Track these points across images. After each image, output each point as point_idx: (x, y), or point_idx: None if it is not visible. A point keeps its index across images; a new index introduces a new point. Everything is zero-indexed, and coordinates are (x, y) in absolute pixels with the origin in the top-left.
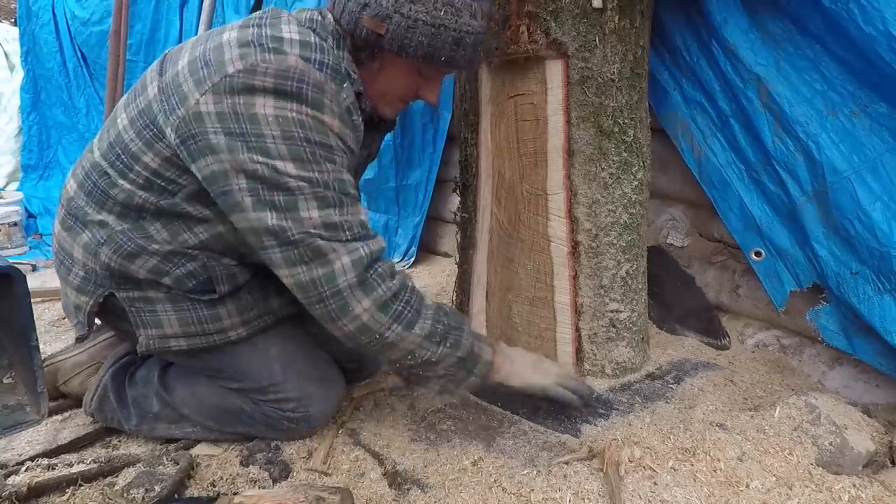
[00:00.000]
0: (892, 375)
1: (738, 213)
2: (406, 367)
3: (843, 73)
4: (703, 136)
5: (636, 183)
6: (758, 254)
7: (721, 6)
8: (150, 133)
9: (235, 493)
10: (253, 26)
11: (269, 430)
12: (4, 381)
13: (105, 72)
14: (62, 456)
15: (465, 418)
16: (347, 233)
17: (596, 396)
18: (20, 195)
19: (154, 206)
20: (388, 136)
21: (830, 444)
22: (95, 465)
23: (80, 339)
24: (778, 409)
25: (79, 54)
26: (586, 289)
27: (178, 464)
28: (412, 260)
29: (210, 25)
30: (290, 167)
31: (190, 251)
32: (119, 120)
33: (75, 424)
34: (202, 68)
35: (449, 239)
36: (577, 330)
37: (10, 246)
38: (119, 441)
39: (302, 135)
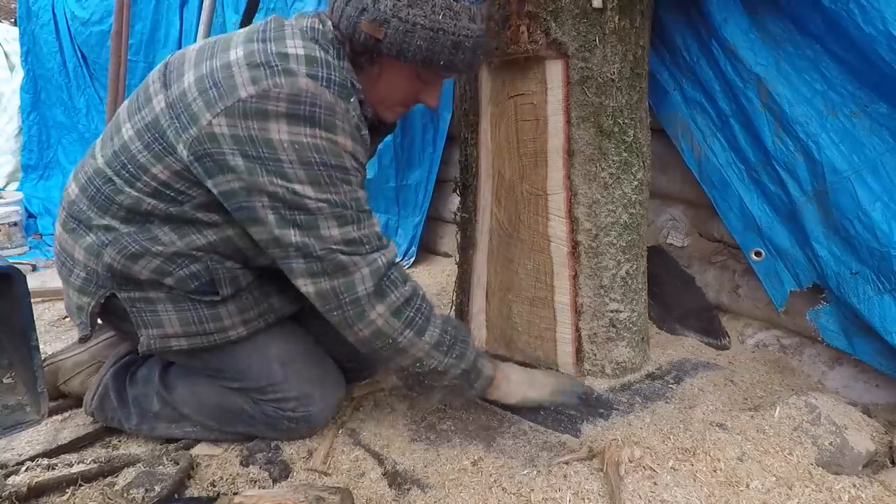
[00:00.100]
0: (892, 375)
1: (738, 213)
2: (413, 375)
3: (843, 73)
4: (703, 136)
5: (636, 183)
6: (758, 254)
7: (721, 6)
8: (160, 147)
9: (235, 493)
10: (258, 41)
11: (269, 429)
12: (4, 381)
13: (105, 72)
14: (62, 456)
15: (465, 418)
16: (366, 246)
17: (596, 396)
18: (20, 195)
19: (163, 213)
20: (387, 136)
21: (830, 444)
22: (95, 465)
23: (82, 340)
24: (778, 409)
25: (79, 54)
26: (586, 289)
27: (178, 464)
28: (412, 260)
29: (210, 25)
30: (308, 190)
31: (195, 253)
32: (124, 129)
33: (75, 424)
34: (211, 88)
35: (449, 239)
36: (577, 330)
37: (10, 246)
38: (119, 441)
39: (318, 159)
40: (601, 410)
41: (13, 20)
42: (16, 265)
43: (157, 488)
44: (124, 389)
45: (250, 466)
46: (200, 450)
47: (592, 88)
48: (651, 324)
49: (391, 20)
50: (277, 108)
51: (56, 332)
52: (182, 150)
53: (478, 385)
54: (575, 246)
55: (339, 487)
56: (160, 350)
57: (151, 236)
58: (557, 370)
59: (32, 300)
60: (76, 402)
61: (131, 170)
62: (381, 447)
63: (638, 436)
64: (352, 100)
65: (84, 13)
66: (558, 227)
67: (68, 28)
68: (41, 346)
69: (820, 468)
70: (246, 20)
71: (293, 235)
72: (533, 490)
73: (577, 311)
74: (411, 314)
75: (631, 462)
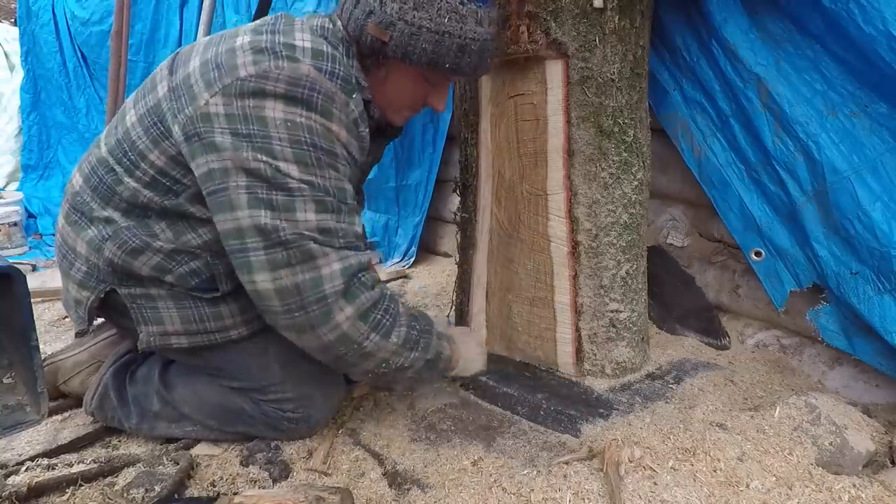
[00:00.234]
0: (892, 375)
1: (738, 213)
2: (376, 377)
3: (843, 73)
4: (703, 136)
5: (636, 183)
6: (758, 254)
7: (721, 6)
8: (157, 131)
9: (235, 493)
10: (266, 32)
11: (269, 429)
12: (4, 381)
13: (105, 72)
14: (62, 456)
15: (465, 418)
16: (341, 240)
17: (596, 397)
18: (20, 195)
19: (158, 206)
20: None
21: (830, 444)
22: (95, 465)
23: (79, 334)
24: (778, 409)
25: (79, 54)
26: (586, 289)
27: (178, 464)
28: (412, 260)
29: (210, 25)
30: (292, 169)
31: (193, 250)
32: (128, 117)
33: (75, 424)
34: (213, 70)
35: (449, 239)
36: (577, 330)
37: (10, 246)
38: (119, 441)
39: (308, 139)
40: (601, 410)
41: (13, 20)
42: (16, 265)
43: (157, 488)
44: (124, 389)
45: (250, 466)
46: (200, 450)
47: (592, 88)
48: (651, 324)
49: (397, 23)
50: (276, 88)
51: (56, 332)
52: (177, 132)
53: (441, 367)
54: (575, 246)
55: (339, 487)
56: (160, 347)
57: (150, 232)
58: (557, 370)
59: (32, 300)
60: (76, 402)
61: (131, 157)
62: (381, 447)
63: (638, 436)
64: (354, 95)
65: (84, 13)
66: (558, 227)
67: (68, 28)
68: (41, 346)
69: (820, 468)
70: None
71: (263, 216)
72: (533, 490)
73: (577, 311)
74: (378, 316)
75: (631, 462)
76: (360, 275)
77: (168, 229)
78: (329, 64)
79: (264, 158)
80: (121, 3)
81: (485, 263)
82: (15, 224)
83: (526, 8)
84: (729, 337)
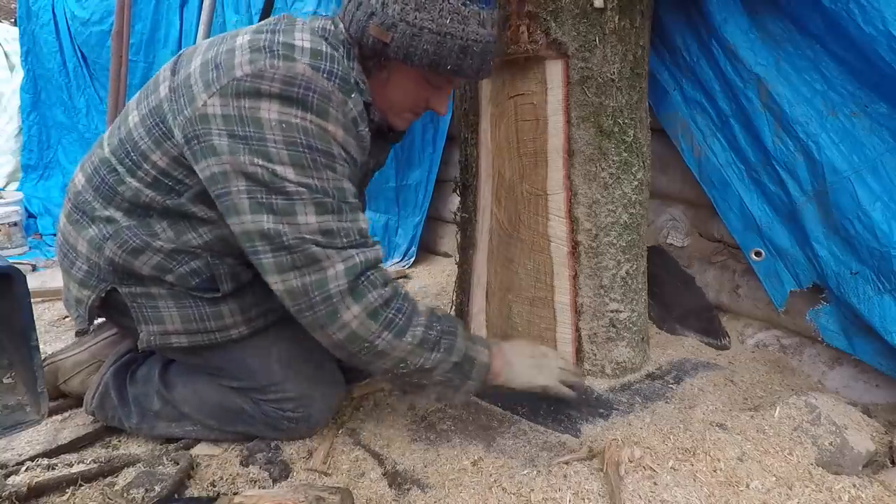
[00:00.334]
0: (892, 375)
1: (738, 213)
2: (399, 376)
3: (843, 73)
4: (703, 136)
5: (636, 183)
6: (758, 254)
7: (721, 6)
8: (159, 132)
9: (235, 493)
10: (266, 32)
11: (269, 429)
12: (4, 381)
13: (105, 72)
14: (62, 456)
15: (465, 418)
16: (344, 239)
17: (596, 397)
18: (20, 195)
19: (160, 206)
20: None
21: (830, 444)
22: (95, 465)
23: (79, 334)
24: (778, 409)
25: (79, 54)
26: (586, 289)
27: (178, 464)
28: (412, 260)
29: (210, 25)
30: (289, 172)
31: (194, 250)
32: (130, 117)
33: (75, 424)
34: (212, 70)
35: (449, 239)
36: (577, 330)
37: (10, 246)
38: (119, 441)
39: (304, 141)
40: (601, 410)
41: (13, 20)
42: (16, 265)
43: (157, 488)
44: (125, 388)
45: (250, 466)
46: (200, 450)
47: (592, 88)
48: (651, 324)
49: (398, 24)
50: (271, 88)
51: (56, 332)
52: (178, 134)
53: (475, 375)
54: (575, 246)
55: (339, 487)
56: (160, 347)
57: (151, 231)
58: None
59: (32, 300)
60: (76, 402)
61: (133, 157)
62: (381, 447)
63: (638, 436)
64: (353, 95)
65: (84, 13)
66: (558, 227)
67: (68, 28)
68: (41, 346)
69: (820, 468)
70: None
71: (265, 222)
72: (533, 490)
73: (577, 311)
74: (390, 315)
75: (631, 462)
76: (367, 273)
77: (169, 229)
78: (327, 63)
79: (261, 162)
80: (121, 3)
81: (485, 263)
82: (15, 224)
83: (526, 8)
84: (729, 337)
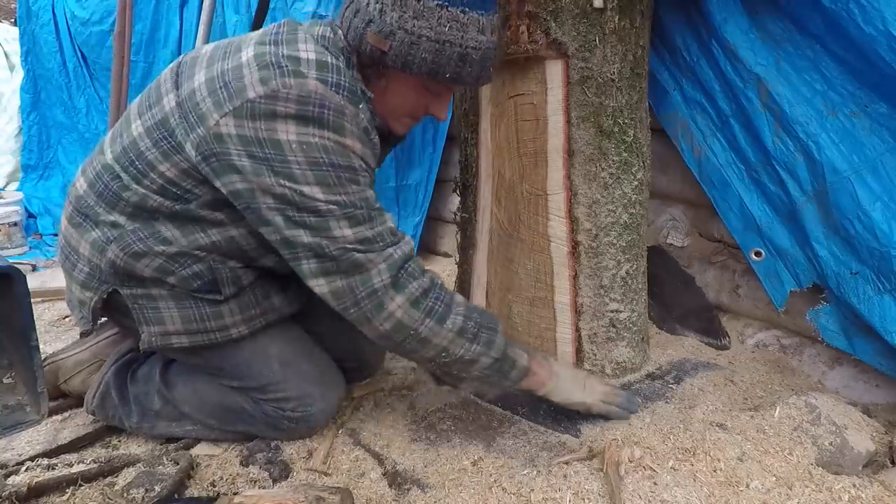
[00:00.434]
0: (892, 375)
1: (738, 213)
2: (441, 366)
3: (843, 73)
4: (703, 136)
5: (636, 183)
6: (758, 254)
7: (721, 6)
8: (168, 145)
9: (235, 493)
10: (270, 43)
11: (269, 429)
12: (4, 381)
13: (105, 72)
14: (62, 456)
15: (465, 418)
16: (380, 243)
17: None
18: (20, 195)
19: (168, 210)
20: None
21: (830, 444)
22: (95, 465)
23: (83, 335)
24: (778, 409)
25: (79, 54)
26: (586, 289)
27: (178, 464)
28: None
29: (210, 25)
30: (317, 192)
31: (197, 252)
32: (134, 126)
33: (75, 424)
34: (221, 89)
35: (449, 239)
36: (577, 330)
37: (10, 246)
38: (119, 441)
39: (326, 160)
40: None
41: (13, 20)
42: (16, 265)
43: (157, 488)
44: (125, 387)
45: (250, 466)
46: (200, 450)
47: (592, 88)
48: (651, 324)
49: (396, 32)
50: (287, 108)
51: (56, 332)
52: (190, 150)
53: (513, 375)
54: (575, 246)
55: (339, 487)
56: (161, 347)
57: (156, 233)
58: None
59: (32, 300)
60: (76, 401)
61: (139, 166)
62: (381, 447)
63: (638, 436)
64: (360, 105)
65: (84, 13)
66: (558, 227)
67: (68, 28)
68: (41, 346)
69: (820, 468)
70: (257, 22)
71: (304, 236)
72: (533, 490)
73: (577, 311)
74: (430, 303)
75: (631, 462)
76: (406, 266)
77: (176, 229)
78: (334, 76)
79: (288, 184)
80: (123, 3)
81: (485, 263)
82: (15, 224)
83: (526, 8)
84: (729, 337)
